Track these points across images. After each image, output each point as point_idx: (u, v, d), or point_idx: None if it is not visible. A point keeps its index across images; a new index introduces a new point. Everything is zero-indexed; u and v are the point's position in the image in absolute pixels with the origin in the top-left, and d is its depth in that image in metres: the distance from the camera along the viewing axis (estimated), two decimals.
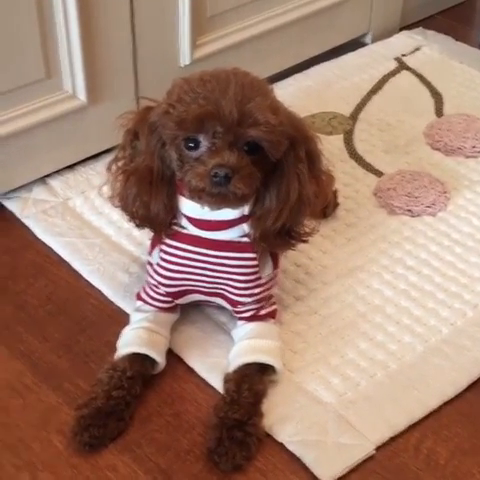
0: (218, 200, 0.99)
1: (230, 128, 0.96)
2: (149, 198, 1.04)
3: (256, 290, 1.10)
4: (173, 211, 1.06)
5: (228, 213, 1.04)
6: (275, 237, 1.05)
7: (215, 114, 0.96)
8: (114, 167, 1.07)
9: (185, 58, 1.50)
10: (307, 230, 1.08)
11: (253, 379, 1.05)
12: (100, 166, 1.42)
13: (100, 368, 1.08)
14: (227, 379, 1.07)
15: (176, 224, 1.07)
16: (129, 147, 1.05)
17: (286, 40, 1.67)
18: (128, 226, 1.30)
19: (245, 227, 1.06)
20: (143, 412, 1.07)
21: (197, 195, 1.00)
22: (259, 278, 1.10)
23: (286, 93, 1.63)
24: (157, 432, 1.05)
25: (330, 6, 1.72)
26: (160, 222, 1.06)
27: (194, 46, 1.50)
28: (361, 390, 1.09)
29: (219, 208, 1.02)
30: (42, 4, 1.27)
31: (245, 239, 1.07)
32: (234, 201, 0.99)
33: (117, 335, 1.12)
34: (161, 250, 1.09)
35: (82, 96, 1.38)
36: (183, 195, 1.04)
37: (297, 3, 1.66)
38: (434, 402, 1.08)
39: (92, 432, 1.00)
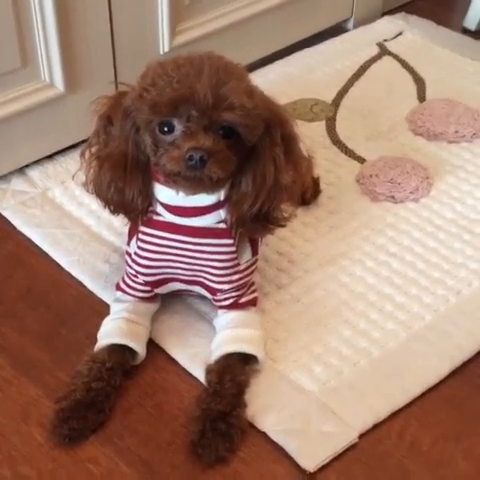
0: (193, 184, 0.98)
1: (205, 112, 0.95)
2: (123, 184, 1.03)
3: (234, 277, 1.09)
4: (148, 198, 1.04)
5: (204, 199, 1.03)
6: (252, 222, 1.04)
7: (189, 98, 0.94)
8: (88, 153, 1.06)
9: (165, 45, 1.48)
10: (285, 215, 1.07)
11: (235, 369, 1.05)
12: (79, 157, 1.40)
13: (81, 360, 1.07)
14: (209, 370, 1.06)
15: (152, 211, 1.06)
16: (103, 133, 1.04)
17: (267, 26, 1.66)
18: (108, 216, 1.28)
19: (222, 213, 1.05)
20: (124, 403, 1.06)
21: (172, 179, 0.98)
22: (237, 264, 1.09)
23: (268, 79, 1.62)
24: (139, 423, 1.04)
25: None
26: (135, 208, 1.05)
27: (173, 33, 1.49)
28: (344, 378, 1.09)
29: (194, 193, 1.01)
30: None
31: (222, 225, 1.06)
32: (209, 185, 0.98)
33: (98, 326, 1.11)
34: (138, 239, 1.08)
35: (60, 85, 1.36)
36: (158, 181, 1.03)
37: None
38: (417, 389, 1.08)
39: (71, 424, 1.00)
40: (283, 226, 1.08)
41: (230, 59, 1.01)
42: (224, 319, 1.11)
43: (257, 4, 1.61)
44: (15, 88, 1.32)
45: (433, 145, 1.50)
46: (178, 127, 0.97)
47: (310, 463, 0.99)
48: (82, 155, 1.06)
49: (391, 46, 1.78)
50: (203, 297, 1.15)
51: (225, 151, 0.97)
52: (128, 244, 1.13)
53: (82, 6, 1.33)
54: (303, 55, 1.74)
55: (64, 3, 1.30)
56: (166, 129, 0.97)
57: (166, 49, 1.48)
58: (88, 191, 1.07)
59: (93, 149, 1.05)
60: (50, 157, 1.44)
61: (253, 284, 1.14)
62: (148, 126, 0.98)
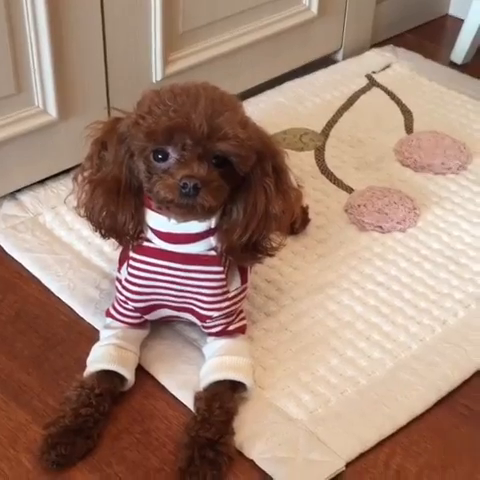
0: (186, 211, 0.99)
1: (199, 141, 0.97)
2: (116, 208, 1.04)
3: (224, 304, 1.10)
4: (140, 223, 1.06)
5: (195, 226, 1.04)
6: (242, 250, 1.06)
7: (185, 127, 0.96)
8: (80, 177, 1.07)
9: (157, 74, 1.50)
10: (274, 244, 1.09)
11: (224, 397, 1.05)
12: (71, 181, 1.41)
13: (70, 385, 1.07)
14: (198, 397, 1.06)
15: (143, 238, 1.07)
16: (96, 157, 1.05)
17: (258, 56, 1.68)
18: (99, 242, 1.30)
19: (212, 240, 1.06)
20: (113, 430, 1.06)
21: (165, 206, 1.00)
22: (227, 292, 1.10)
23: (258, 109, 1.65)
24: (127, 450, 1.04)
25: (302, 23, 1.74)
26: (126, 233, 1.06)
27: (166, 62, 1.51)
28: (331, 406, 1.10)
29: (186, 220, 1.02)
30: (12, 19, 1.27)
31: (212, 252, 1.07)
32: (201, 213, 0.99)
33: (87, 352, 1.11)
34: (129, 265, 1.09)
35: (53, 112, 1.38)
36: (150, 208, 1.04)
37: (269, 20, 1.67)
38: (403, 418, 1.09)
39: (59, 451, 1.00)
40: (272, 255, 1.10)
41: (225, 90, 1.02)
42: (213, 346, 1.12)
43: (249, 35, 1.64)
44: (9, 114, 1.33)
45: (420, 176, 1.53)
46: (172, 155, 0.98)
47: None
48: (75, 179, 1.08)
49: (379, 78, 1.81)
50: (192, 324, 1.16)
51: (218, 180, 0.99)
52: (119, 270, 1.13)
53: (76, 34, 1.35)
54: (293, 85, 1.77)
55: (59, 31, 1.32)
56: (160, 157, 0.99)
57: (158, 78, 1.50)
58: (80, 214, 1.08)
59: (86, 173, 1.07)
60: (42, 182, 1.45)
61: (242, 312, 1.15)
62: (142, 153, 1.00)
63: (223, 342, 1.12)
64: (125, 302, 1.12)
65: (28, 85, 1.34)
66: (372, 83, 1.80)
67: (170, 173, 0.98)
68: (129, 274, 1.10)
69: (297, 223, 1.33)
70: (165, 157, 0.99)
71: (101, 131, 1.05)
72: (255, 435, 1.05)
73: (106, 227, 1.07)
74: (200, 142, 0.97)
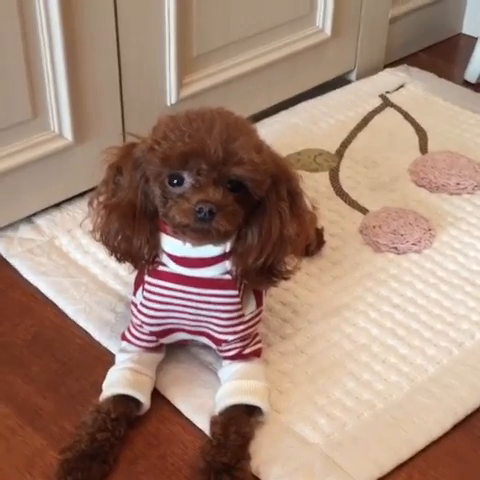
0: (201, 236, 1.00)
1: (215, 166, 0.97)
2: (132, 232, 1.05)
3: (239, 327, 1.10)
4: (155, 247, 1.06)
5: (210, 250, 1.04)
6: (257, 274, 1.06)
7: (200, 152, 0.97)
8: (96, 201, 1.07)
9: (172, 97, 1.51)
10: (289, 268, 1.08)
11: (240, 421, 1.05)
12: (86, 205, 1.42)
13: (86, 410, 1.07)
14: (214, 422, 1.06)
15: (158, 262, 1.07)
16: (112, 182, 1.06)
17: (272, 78, 1.69)
18: (114, 265, 1.30)
19: (227, 264, 1.06)
20: (129, 454, 1.06)
21: (181, 231, 1.00)
22: (242, 315, 1.10)
23: (272, 130, 1.65)
24: (143, 475, 1.04)
25: (316, 44, 1.74)
26: (141, 257, 1.06)
27: (181, 85, 1.51)
28: (348, 430, 1.09)
29: (201, 244, 1.03)
30: (28, 44, 1.28)
31: (227, 276, 1.07)
32: (217, 237, 1.00)
33: (103, 376, 1.11)
34: (144, 289, 1.10)
35: (68, 136, 1.39)
36: (165, 232, 1.05)
37: (283, 42, 1.68)
38: (421, 442, 1.08)
39: (76, 476, 0.99)
40: (287, 279, 1.10)
41: (240, 113, 1.03)
42: (229, 370, 1.12)
43: (263, 57, 1.65)
44: (25, 138, 1.34)
45: (435, 197, 1.52)
46: (188, 180, 0.99)
47: None
48: (90, 203, 1.08)
49: (393, 98, 1.82)
50: (208, 347, 1.16)
51: (233, 204, 0.99)
52: (134, 294, 1.14)
53: (91, 58, 1.36)
54: (307, 106, 1.77)
55: (74, 56, 1.33)
56: (176, 181, 0.99)
57: (173, 101, 1.51)
58: (95, 239, 1.09)
59: (101, 198, 1.07)
60: (57, 205, 1.46)
61: (257, 335, 1.15)
62: (158, 178, 1.00)
63: (239, 366, 1.11)
64: (140, 326, 1.12)
65: (44, 110, 1.35)
66: (386, 103, 1.80)
67: (185, 198, 0.98)
68: (144, 298, 1.10)
69: (312, 245, 1.33)
70: (180, 182, 0.99)
71: (116, 156, 1.06)
72: (271, 460, 1.05)
73: (121, 251, 1.07)
74: (215, 167, 0.97)
